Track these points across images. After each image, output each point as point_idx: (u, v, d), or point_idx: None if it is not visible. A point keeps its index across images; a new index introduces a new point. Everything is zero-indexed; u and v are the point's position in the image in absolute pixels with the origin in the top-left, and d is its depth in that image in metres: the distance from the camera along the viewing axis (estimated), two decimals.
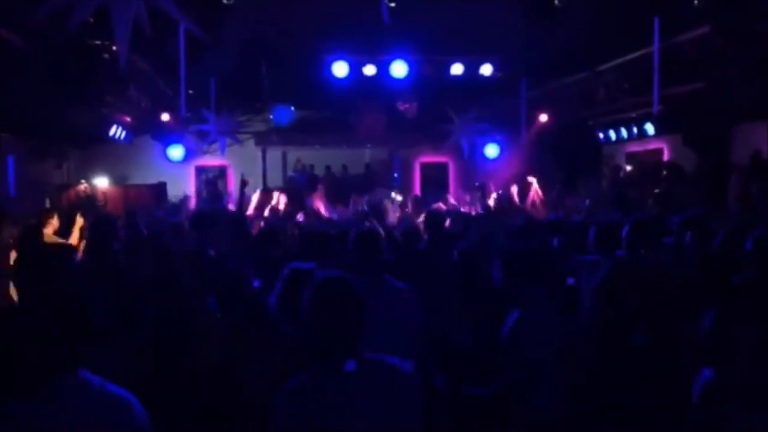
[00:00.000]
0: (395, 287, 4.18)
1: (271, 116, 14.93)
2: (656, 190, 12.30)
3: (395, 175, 16.64)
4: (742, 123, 11.59)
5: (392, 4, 10.10)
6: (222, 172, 17.61)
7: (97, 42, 8.72)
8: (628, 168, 15.04)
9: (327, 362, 2.56)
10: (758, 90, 8.82)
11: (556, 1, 9.99)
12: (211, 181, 15.79)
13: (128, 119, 13.08)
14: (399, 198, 14.14)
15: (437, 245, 6.04)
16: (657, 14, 9.54)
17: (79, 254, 5.79)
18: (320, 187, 13.55)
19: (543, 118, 14.48)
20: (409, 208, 10.80)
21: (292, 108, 14.39)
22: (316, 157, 17.68)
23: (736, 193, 11.13)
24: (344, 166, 17.53)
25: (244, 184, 8.16)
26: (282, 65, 12.62)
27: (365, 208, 10.24)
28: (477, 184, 12.32)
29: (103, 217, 6.62)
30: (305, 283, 2.79)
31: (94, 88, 10.19)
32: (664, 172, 12.88)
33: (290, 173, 16.90)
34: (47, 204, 13.10)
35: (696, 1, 8.89)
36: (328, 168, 17.01)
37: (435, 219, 6.72)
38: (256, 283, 4.35)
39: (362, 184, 15.55)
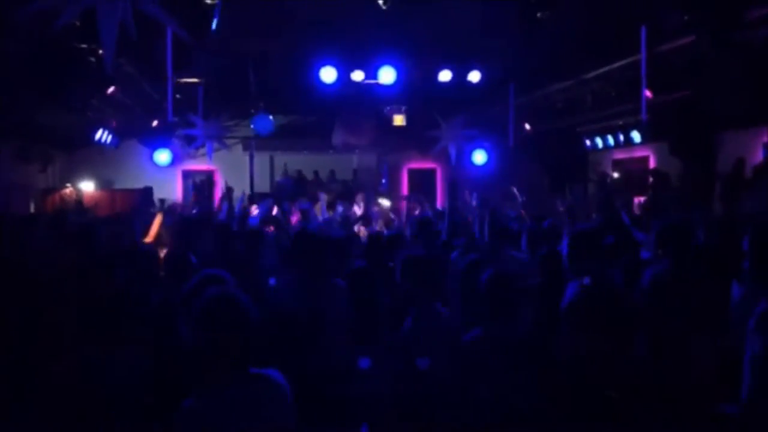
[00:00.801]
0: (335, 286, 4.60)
1: (252, 126, 14.87)
2: (642, 197, 12.38)
3: (383, 180, 16.61)
4: (728, 131, 11.67)
5: (384, 6, 10.09)
6: (209, 176, 17.53)
7: (83, 45, 8.64)
8: (615, 175, 15.12)
9: (214, 378, 2.64)
10: (744, 99, 8.87)
11: (539, 14, 10.04)
12: (198, 186, 15.72)
13: (114, 123, 13.01)
14: (386, 203, 14.14)
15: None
16: (644, 23, 9.58)
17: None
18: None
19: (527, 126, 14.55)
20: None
21: (271, 117, 14.32)
22: (304, 162, 17.66)
23: (720, 200, 11.19)
24: (332, 172, 17.52)
25: (229, 191, 8.15)
26: (269, 70, 12.58)
27: (356, 212, 10.30)
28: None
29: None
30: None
31: (79, 92, 10.12)
32: (651, 179, 12.95)
33: (277, 179, 16.85)
34: (32, 208, 13.01)
35: (683, 13, 8.93)
36: (315, 173, 17.00)
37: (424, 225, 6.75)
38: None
39: (350, 190, 15.54)
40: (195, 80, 12.68)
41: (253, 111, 14.18)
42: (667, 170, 12.64)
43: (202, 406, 2.59)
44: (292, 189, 15.10)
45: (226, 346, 2.63)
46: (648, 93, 10.40)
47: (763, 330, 3.26)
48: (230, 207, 8.12)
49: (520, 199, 10.45)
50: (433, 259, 4.67)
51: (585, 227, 5.71)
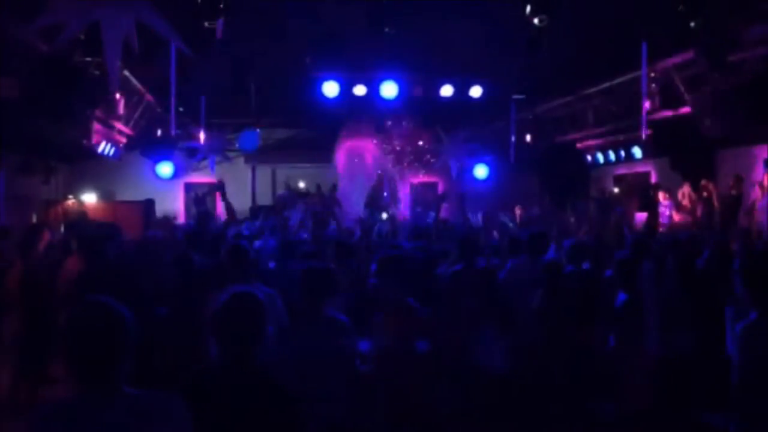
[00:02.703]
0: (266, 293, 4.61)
1: (237, 144, 14.92)
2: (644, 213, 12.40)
3: (384, 194, 16.64)
4: (729, 147, 11.71)
5: (386, 29, 10.19)
6: (211, 189, 17.59)
7: (87, 59, 8.72)
8: (615, 190, 15.13)
9: (82, 390, 2.44)
10: (743, 115, 8.92)
11: (536, 20, 10.02)
12: (200, 199, 15.77)
13: (117, 135, 13.08)
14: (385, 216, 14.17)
15: None
16: (644, 40, 9.65)
17: None
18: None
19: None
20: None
21: (257, 133, 14.39)
22: (306, 176, 17.70)
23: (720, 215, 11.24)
24: (334, 186, 17.52)
25: (221, 186, 7.79)
26: (272, 84, 12.66)
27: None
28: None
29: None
30: None
31: (83, 105, 10.19)
32: (652, 194, 12.98)
33: (278, 192, 16.85)
34: (34, 219, 13.06)
35: (686, 28, 8.99)
36: (318, 187, 17.00)
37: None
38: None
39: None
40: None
41: (252, 124, 14.25)
42: (668, 186, 12.67)
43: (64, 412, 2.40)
44: (289, 201, 15.11)
45: (96, 357, 2.42)
46: (648, 108, 10.47)
47: (745, 342, 3.56)
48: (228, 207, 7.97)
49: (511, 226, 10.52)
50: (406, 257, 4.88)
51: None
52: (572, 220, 10.86)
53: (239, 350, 2.89)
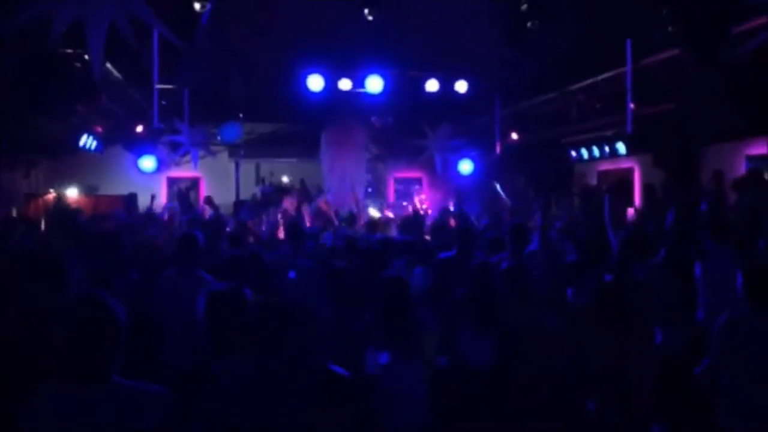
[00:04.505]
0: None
1: (219, 136, 14.84)
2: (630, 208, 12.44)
3: (368, 189, 16.64)
4: (713, 144, 11.79)
5: (369, 18, 10.14)
6: (194, 183, 17.50)
7: (69, 51, 8.63)
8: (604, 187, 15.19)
9: (70, 383, 2.46)
10: (726, 112, 8.99)
11: (529, 24, 10.14)
12: (183, 193, 15.67)
13: (99, 129, 12.96)
14: (376, 213, 14.17)
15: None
16: (629, 36, 9.69)
17: None
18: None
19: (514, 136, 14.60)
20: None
21: (240, 125, 14.33)
22: (290, 170, 17.64)
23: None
24: (319, 188, 17.45)
25: (209, 200, 8.13)
26: (256, 78, 12.58)
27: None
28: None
29: None
30: None
31: (64, 98, 10.08)
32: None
33: (254, 190, 16.68)
34: (14, 213, 12.91)
35: (668, 27, 9.05)
36: (302, 181, 16.95)
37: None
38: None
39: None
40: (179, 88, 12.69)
41: (240, 116, 14.18)
42: (651, 182, 12.75)
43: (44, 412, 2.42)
44: (271, 196, 15.03)
45: (87, 350, 2.45)
46: (632, 105, 10.52)
47: (723, 342, 3.84)
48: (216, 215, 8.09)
49: (505, 197, 10.53)
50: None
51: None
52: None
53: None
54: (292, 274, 6.02)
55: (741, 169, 11.19)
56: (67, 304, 2.59)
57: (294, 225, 6.95)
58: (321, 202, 13.22)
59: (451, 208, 11.85)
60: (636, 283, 5.16)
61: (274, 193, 14.93)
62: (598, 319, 3.70)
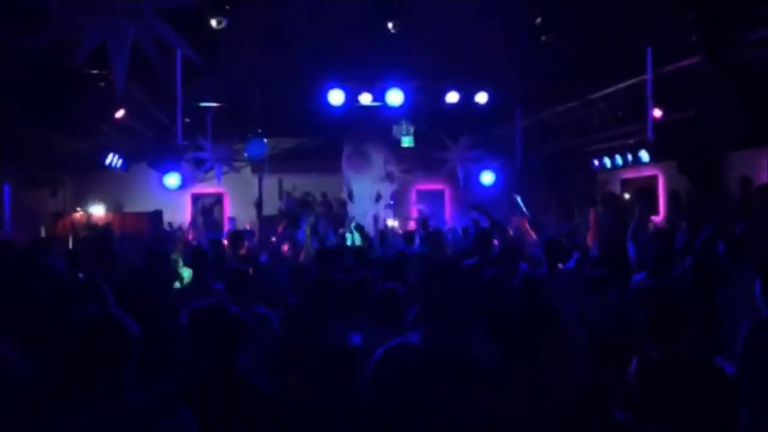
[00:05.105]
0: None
1: (245, 152, 14.95)
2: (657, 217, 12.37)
3: (391, 202, 16.65)
4: (736, 150, 11.67)
5: (393, 31, 10.22)
6: (218, 199, 17.63)
7: (94, 71, 8.78)
8: (626, 195, 15.06)
9: (85, 397, 2.45)
10: (747, 118, 8.91)
11: (543, 37, 10.17)
12: (207, 209, 15.81)
13: (124, 147, 13.14)
14: (393, 224, 14.19)
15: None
16: (648, 44, 9.65)
17: None
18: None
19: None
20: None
21: (265, 141, 14.43)
22: (314, 185, 17.72)
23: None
24: (340, 202, 17.50)
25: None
26: (278, 93, 12.71)
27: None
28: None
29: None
30: None
31: (90, 117, 10.25)
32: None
33: (280, 204, 16.79)
34: (42, 232, 13.12)
35: (689, 34, 9.00)
36: (324, 195, 17.01)
37: None
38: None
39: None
40: (208, 105, 12.84)
41: (259, 132, 14.27)
42: (677, 189, 12.63)
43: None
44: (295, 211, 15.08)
45: (89, 364, 2.46)
46: (656, 112, 10.44)
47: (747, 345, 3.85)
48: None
49: (524, 209, 10.47)
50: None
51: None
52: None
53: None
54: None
55: (763, 175, 11.06)
56: (83, 321, 2.57)
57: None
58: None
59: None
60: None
61: (297, 207, 15.00)
62: (663, 331, 3.59)
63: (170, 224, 13.87)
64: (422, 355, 2.81)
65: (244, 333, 3.11)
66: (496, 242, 6.85)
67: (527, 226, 8.15)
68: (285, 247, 8.34)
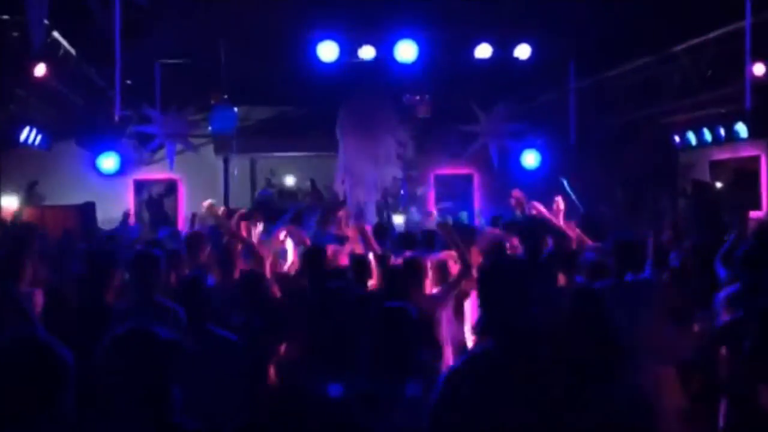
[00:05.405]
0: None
1: (209, 125, 14.94)
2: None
3: (402, 191, 16.65)
4: None
5: None
6: (170, 188, 17.61)
7: (4, 16, 8.78)
8: (718, 184, 15.04)
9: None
10: None
11: None
12: (155, 201, 15.82)
13: (45, 119, 13.13)
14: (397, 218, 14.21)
15: None
16: None
17: None
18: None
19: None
20: None
21: (234, 110, 14.40)
22: (296, 167, 17.73)
23: None
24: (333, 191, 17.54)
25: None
26: (249, 47, 12.66)
27: None
28: None
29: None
30: None
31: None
32: None
33: (257, 193, 16.80)
34: None
35: None
36: (312, 182, 17.00)
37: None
38: None
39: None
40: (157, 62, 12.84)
41: (225, 98, 14.25)
42: None
43: None
44: (276, 204, 15.05)
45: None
46: (757, 70, 10.40)
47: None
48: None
49: (575, 200, 10.45)
50: None
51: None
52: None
53: None
54: None
55: None
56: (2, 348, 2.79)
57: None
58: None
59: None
60: None
61: (275, 200, 15.04)
62: None
63: (126, 214, 13.74)
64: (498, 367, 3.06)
65: (177, 362, 3.18)
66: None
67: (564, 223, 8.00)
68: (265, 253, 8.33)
